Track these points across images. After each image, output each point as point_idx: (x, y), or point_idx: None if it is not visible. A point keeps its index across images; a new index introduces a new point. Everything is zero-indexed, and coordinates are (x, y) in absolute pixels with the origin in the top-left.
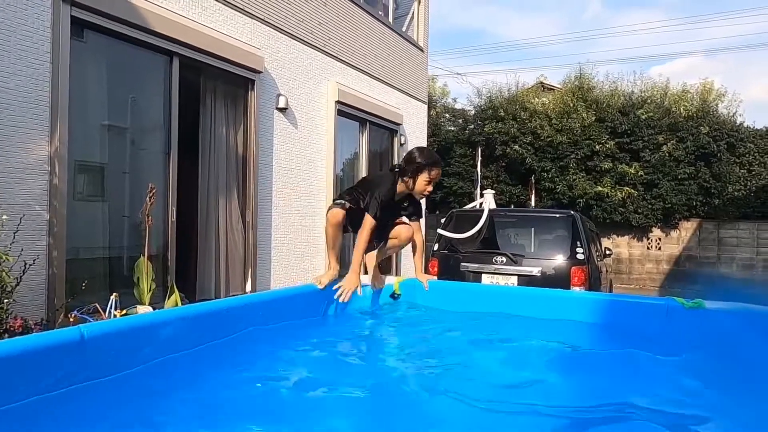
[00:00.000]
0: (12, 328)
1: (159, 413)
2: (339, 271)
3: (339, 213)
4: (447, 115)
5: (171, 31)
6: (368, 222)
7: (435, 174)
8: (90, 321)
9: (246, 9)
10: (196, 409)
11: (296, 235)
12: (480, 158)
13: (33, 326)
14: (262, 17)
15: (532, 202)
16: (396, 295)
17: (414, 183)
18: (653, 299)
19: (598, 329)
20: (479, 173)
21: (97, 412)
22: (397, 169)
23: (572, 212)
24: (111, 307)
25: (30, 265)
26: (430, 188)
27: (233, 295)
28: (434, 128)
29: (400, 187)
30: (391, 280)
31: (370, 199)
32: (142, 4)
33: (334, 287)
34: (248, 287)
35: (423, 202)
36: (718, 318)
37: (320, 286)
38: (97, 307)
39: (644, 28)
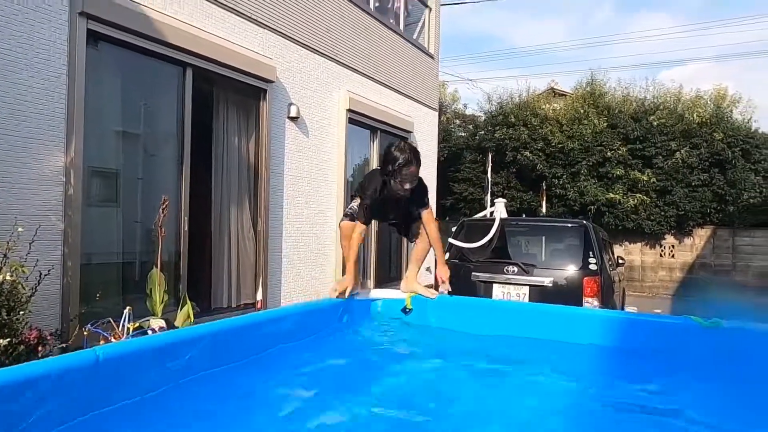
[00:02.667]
0: (28, 339)
1: None
2: (357, 281)
3: (349, 226)
4: (457, 121)
5: (185, 42)
6: (357, 227)
7: (408, 174)
8: (103, 335)
9: (258, 19)
10: None
11: (307, 243)
12: (490, 164)
13: (48, 337)
14: (274, 27)
15: (543, 209)
16: (408, 310)
17: (389, 181)
18: (672, 318)
19: (614, 352)
20: (490, 179)
21: None
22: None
23: (584, 221)
24: (125, 321)
25: (45, 275)
26: (403, 188)
27: (244, 306)
28: (445, 134)
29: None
30: (403, 295)
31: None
32: (157, 16)
33: (336, 292)
34: (259, 296)
35: (432, 192)
36: (736, 337)
37: (334, 295)
38: (111, 321)
39: (656, 33)
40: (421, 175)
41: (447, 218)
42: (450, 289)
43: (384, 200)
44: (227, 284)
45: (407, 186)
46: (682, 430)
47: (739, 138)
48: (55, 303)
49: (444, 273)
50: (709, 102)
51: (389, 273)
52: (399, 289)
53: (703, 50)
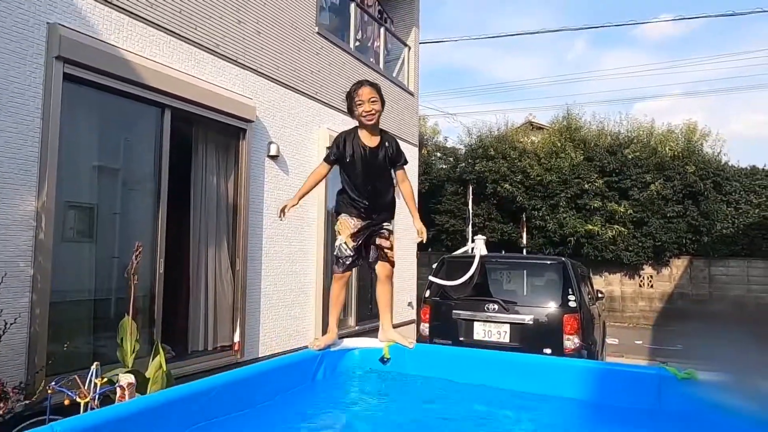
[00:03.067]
0: None
1: None
2: (336, 336)
3: (342, 283)
4: (438, 154)
5: (164, 84)
6: (317, 168)
7: (362, 93)
8: (68, 394)
9: (239, 60)
10: None
11: (286, 281)
12: (471, 196)
13: (11, 392)
14: (253, 67)
15: (524, 240)
16: (386, 360)
17: (356, 116)
18: (644, 368)
19: (586, 406)
20: (471, 211)
21: None
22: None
23: (563, 258)
24: (91, 377)
25: (11, 324)
26: (367, 107)
27: (221, 348)
28: (425, 167)
29: (361, 133)
30: (381, 344)
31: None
32: (135, 59)
33: (317, 346)
34: (236, 337)
35: (407, 156)
36: (711, 390)
37: (316, 349)
38: (77, 379)
39: (629, 70)
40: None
41: (429, 249)
42: (424, 239)
43: (359, 164)
44: (203, 327)
45: (367, 107)
46: None
47: (710, 171)
48: (21, 353)
49: (420, 225)
50: (680, 136)
51: (370, 311)
52: (377, 337)
53: (673, 86)
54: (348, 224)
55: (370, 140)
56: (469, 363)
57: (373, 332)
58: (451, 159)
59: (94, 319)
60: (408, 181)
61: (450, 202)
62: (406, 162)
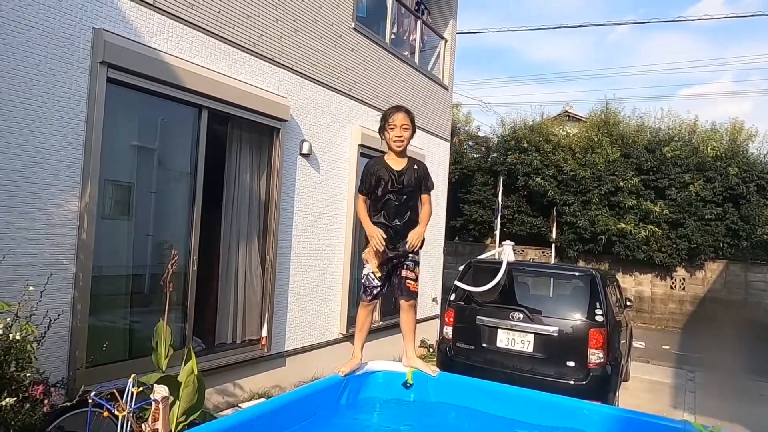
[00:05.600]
0: (33, 396)
1: None
2: (360, 361)
3: (367, 311)
4: (470, 143)
5: (201, 86)
6: (359, 203)
7: (396, 119)
8: (107, 407)
9: (275, 59)
10: None
11: (314, 278)
12: (501, 188)
13: (52, 390)
14: (290, 66)
15: (553, 235)
16: (408, 385)
17: (387, 139)
18: (669, 421)
19: None
20: (500, 203)
21: None
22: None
23: (592, 270)
24: (129, 388)
25: (54, 320)
26: (398, 132)
27: (249, 341)
28: (457, 155)
29: (388, 158)
30: (404, 369)
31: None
32: (175, 62)
33: (343, 372)
34: (264, 332)
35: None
36: None
37: (342, 375)
38: (115, 393)
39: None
40: (433, 196)
41: (456, 238)
42: (408, 248)
43: (388, 187)
44: (232, 321)
45: (398, 132)
46: None
47: (755, 173)
48: (63, 346)
49: (414, 237)
50: (724, 135)
51: (394, 305)
52: (400, 360)
53: (722, 71)
54: (377, 252)
55: (397, 164)
56: (490, 396)
57: (396, 327)
58: (483, 149)
59: (131, 323)
60: (430, 205)
61: (479, 192)
62: (432, 187)
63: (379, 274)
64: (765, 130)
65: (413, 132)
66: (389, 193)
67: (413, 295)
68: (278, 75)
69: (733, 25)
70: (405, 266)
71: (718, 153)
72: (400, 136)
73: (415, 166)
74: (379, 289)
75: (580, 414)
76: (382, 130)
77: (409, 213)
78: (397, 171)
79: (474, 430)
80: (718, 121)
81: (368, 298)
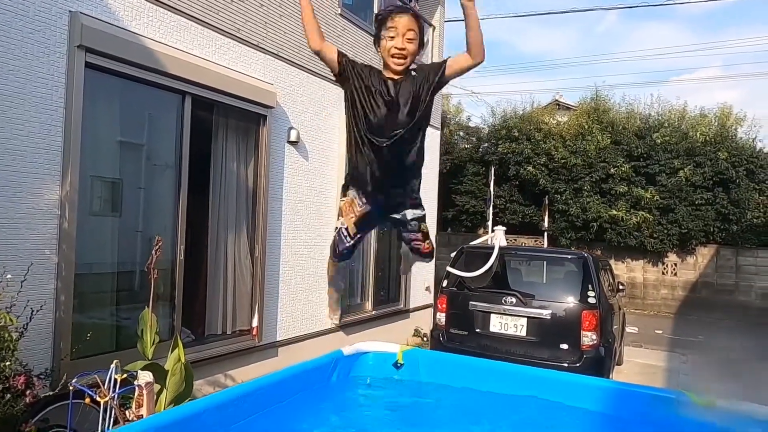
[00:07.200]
0: (15, 386)
1: None
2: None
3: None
4: (461, 133)
5: (185, 71)
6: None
7: (399, 22)
8: (88, 393)
9: (260, 45)
10: None
11: (305, 267)
12: (493, 177)
13: (36, 380)
14: (275, 52)
15: (546, 224)
16: (399, 365)
17: (381, 46)
18: (663, 392)
19: (604, 419)
20: (492, 192)
21: None
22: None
23: (584, 253)
24: (111, 374)
25: (37, 311)
26: (399, 43)
27: (239, 332)
28: (448, 146)
29: (386, 72)
30: (395, 348)
31: None
32: (156, 47)
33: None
34: (255, 322)
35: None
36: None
37: (334, 317)
38: (97, 379)
39: (663, 44)
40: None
41: (449, 229)
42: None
43: (377, 102)
44: (222, 311)
45: (397, 42)
46: None
47: (744, 157)
48: (47, 338)
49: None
50: (713, 120)
51: (388, 294)
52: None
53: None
54: (355, 205)
55: (395, 75)
56: (481, 374)
57: (389, 317)
58: (474, 139)
59: (116, 312)
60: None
61: (471, 182)
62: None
63: (353, 231)
64: (753, 116)
65: (421, 46)
66: (379, 113)
67: (430, 255)
68: (263, 61)
69: (719, 11)
70: (407, 230)
71: (708, 138)
72: (402, 50)
73: (413, 74)
74: (348, 250)
75: (574, 388)
76: (377, 39)
77: (405, 150)
78: (394, 80)
79: (465, 408)
80: (706, 107)
81: (336, 259)
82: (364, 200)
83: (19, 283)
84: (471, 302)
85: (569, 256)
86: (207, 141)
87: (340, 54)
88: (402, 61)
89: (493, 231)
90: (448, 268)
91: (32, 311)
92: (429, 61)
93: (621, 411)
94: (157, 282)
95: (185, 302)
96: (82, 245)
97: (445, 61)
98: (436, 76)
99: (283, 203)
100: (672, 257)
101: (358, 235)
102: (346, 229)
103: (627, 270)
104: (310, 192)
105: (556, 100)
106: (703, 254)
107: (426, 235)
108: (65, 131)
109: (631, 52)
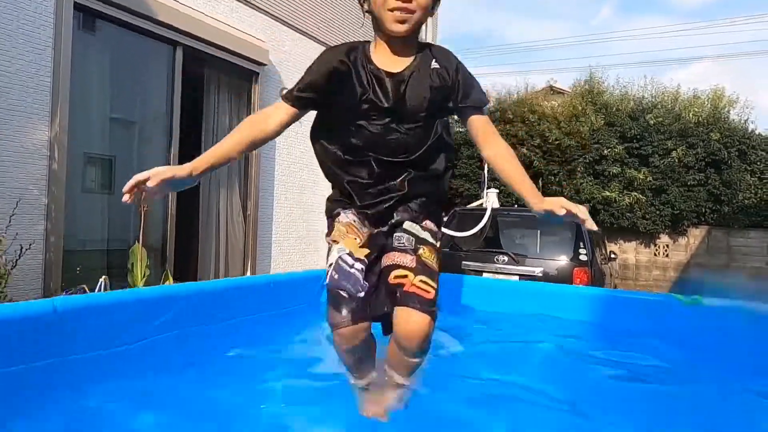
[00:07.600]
0: None
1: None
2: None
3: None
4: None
5: (175, 20)
6: (261, 116)
7: None
8: None
9: (253, 1)
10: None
11: (298, 230)
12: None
13: None
14: (267, 10)
15: None
16: None
17: (375, 11)
18: (652, 296)
19: (595, 327)
20: (486, 175)
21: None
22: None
23: None
24: (99, 289)
25: (26, 249)
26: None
27: None
28: None
29: (374, 50)
30: None
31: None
32: None
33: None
34: None
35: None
36: (716, 314)
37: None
38: (85, 288)
39: (655, 32)
40: None
41: (443, 213)
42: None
43: (358, 111)
44: (214, 267)
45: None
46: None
47: (736, 138)
48: (36, 278)
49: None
50: (706, 102)
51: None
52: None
53: (705, 49)
54: (351, 227)
55: (392, 61)
56: (473, 290)
57: None
58: None
59: (107, 255)
60: (499, 138)
61: (465, 165)
62: (487, 101)
63: (365, 253)
64: (745, 97)
65: (436, 3)
66: (369, 117)
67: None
68: (257, 18)
69: (712, 6)
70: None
71: (700, 119)
72: (404, 8)
73: (435, 64)
74: (359, 285)
75: (564, 298)
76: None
77: (415, 162)
78: (393, 73)
79: (460, 326)
80: (699, 89)
81: (345, 315)
82: (357, 221)
83: (7, 218)
84: (464, 262)
85: None
86: (200, 95)
87: (309, 84)
88: (403, 23)
89: (486, 194)
90: (442, 229)
91: (21, 248)
92: (423, 37)
93: (616, 317)
94: (148, 214)
95: (177, 256)
96: (71, 189)
97: (472, 81)
98: (456, 88)
99: (276, 163)
100: (664, 238)
101: (369, 256)
102: (349, 254)
103: (620, 251)
104: (303, 154)
105: (550, 85)
106: (695, 235)
107: (426, 268)
108: (54, 72)
109: (625, 34)
